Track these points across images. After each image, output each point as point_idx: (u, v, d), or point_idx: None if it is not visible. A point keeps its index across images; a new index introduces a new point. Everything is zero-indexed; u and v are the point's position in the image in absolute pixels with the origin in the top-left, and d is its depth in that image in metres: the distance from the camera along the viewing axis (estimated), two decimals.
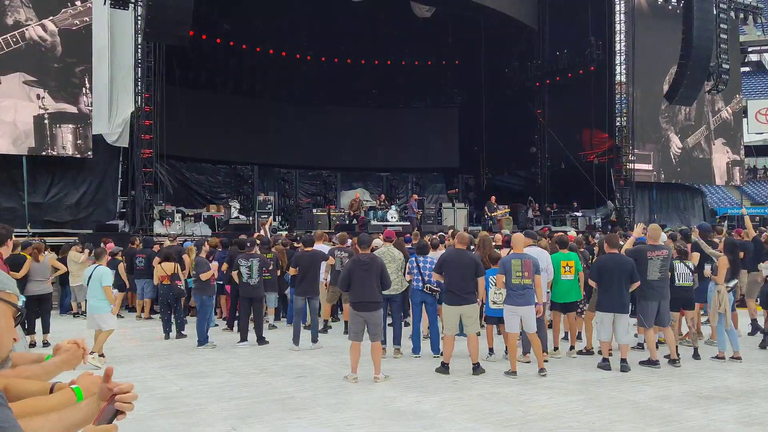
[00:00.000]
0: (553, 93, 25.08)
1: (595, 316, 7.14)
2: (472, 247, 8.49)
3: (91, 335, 7.62)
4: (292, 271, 8.56)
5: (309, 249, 8.52)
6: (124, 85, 15.96)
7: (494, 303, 7.17)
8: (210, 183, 23.80)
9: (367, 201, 21.99)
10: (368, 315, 6.43)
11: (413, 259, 7.88)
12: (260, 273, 8.58)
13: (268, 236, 12.20)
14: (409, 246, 9.49)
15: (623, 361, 6.83)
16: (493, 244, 8.67)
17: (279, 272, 9.74)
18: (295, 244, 10.92)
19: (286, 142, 25.31)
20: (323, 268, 9.00)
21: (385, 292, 7.56)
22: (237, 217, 18.63)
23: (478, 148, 27.44)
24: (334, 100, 26.77)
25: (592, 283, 7.13)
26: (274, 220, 18.83)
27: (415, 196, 21.26)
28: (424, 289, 7.66)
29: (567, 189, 23.45)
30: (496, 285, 6.98)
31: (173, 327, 9.26)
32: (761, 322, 8.84)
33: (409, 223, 19.02)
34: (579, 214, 21.60)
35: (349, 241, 10.22)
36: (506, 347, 7.15)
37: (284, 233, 14.95)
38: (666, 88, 21.14)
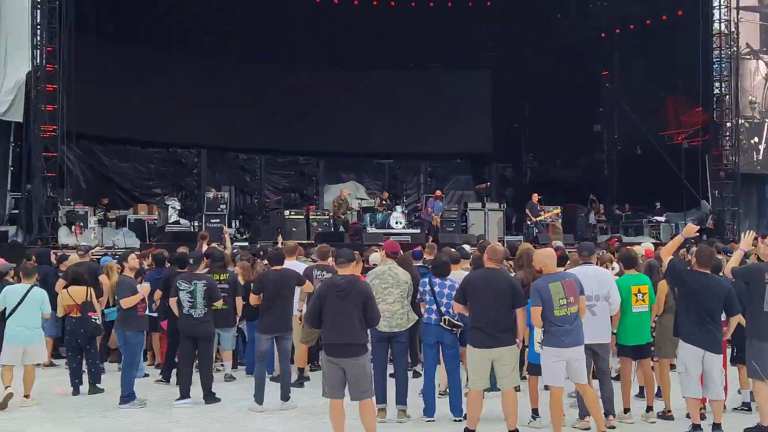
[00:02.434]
0: (624, 48, 25.19)
1: (678, 360, 7.12)
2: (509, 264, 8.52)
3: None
4: (253, 299, 8.56)
5: (277, 267, 8.53)
6: (15, 34, 15.98)
7: (541, 345, 7.17)
8: (139, 174, 23.86)
9: (361, 200, 22.04)
10: (347, 363, 6.43)
11: (426, 281, 7.88)
12: (208, 301, 8.58)
13: (228, 247, 12.27)
14: (420, 264, 9.49)
15: (717, 427, 6.83)
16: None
17: (241, 300, 9.75)
18: (258, 262, 10.92)
19: (246, 117, 25.39)
20: (297, 294, 9.01)
21: (384, 329, 7.61)
22: (177, 222, 18.66)
23: (518, 125, 27.48)
24: (316, 59, 26.87)
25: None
26: (229, 226, 18.85)
27: (439, 192, 21.29)
28: (442, 325, 7.66)
29: (645, 183, 23.51)
30: (531, 322, 6.98)
31: (84, 377, 9.25)
32: None
33: (418, 231, 19.06)
34: (662, 219, 21.63)
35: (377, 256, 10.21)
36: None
37: (236, 245, 14.92)
38: None
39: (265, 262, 10.06)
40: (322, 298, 6.52)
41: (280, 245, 12.72)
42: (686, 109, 23.05)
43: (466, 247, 11.56)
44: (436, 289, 7.73)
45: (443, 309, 7.64)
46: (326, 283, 6.64)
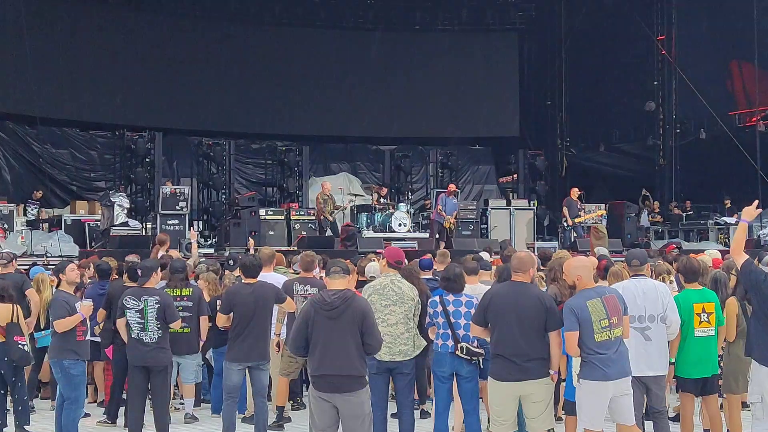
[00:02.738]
0: (685, 6, 25.15)
1: (751, 388, 7.09)
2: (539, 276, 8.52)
3: None
4: (221, 320, 8.58)
5: (251, 280, 8.55)
6: None
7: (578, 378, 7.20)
8: (77, 163, 23.89)
9: (355, 196, 22.07)
10: (341, 400, 6.43)
11: (437, 299, 7.90)
12: (162, 322, 8.60)
13: (194, 255, 12.22)
14: (429, 276, 9.51)
15: None
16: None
17: (206, 321, 9.77)
18: (227, 274, 10.92)
19: (212, 92, 25.42)
20: (275, 314, 9.03)
21: (385, 357, 7.62)
22: (125, 223, 18.69)
23: (552, 103, 27.50)
24: (298, 17, 26.91)
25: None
26: (190, 228, 18.84)
27: (452, 187, 21.30)
28: (457, 353, 7.68)
29: (711, 176, 23.56)
30: (566, 350, 6.97)
31: (9, 418, 9.24)
32: None
33: (427, 236, 19.07)
34: (732, 220, 21.62)
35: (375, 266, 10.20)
36: None
37: (199, 252, 14.92)
38: None
39: (237, 274, 10.08)
40: (309, 319, 6.49)
41: (252, 252, 12.75)
42: (757, 80, 23.03)
43: (485, 255, 11.59)
44: (450, 308, 7.75)
45: (459, 333, 7.66)
46: (314, 301, 6.61)
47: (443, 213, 19.49)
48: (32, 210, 19.27)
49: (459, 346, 7.64)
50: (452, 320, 7.71)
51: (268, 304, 8.48)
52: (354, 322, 6.44)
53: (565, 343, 6.75)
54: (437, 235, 19.24)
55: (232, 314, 8.35)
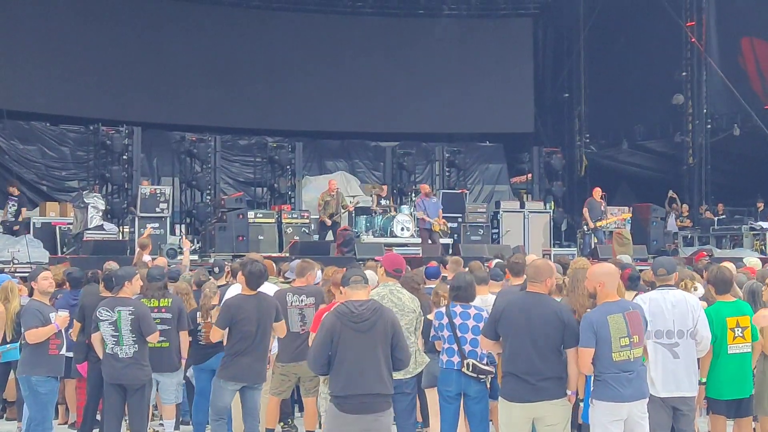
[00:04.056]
0: None
1: None
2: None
3: None
4: (216, 335, 8.53)
5: (251, 292, 8.52)
6: None
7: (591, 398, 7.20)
8: (48, 160, 23.88)
9: (353, 197, 22.06)
10: (369, 422, 6.46)
11: (442, 310, 7.93)
12: (138, 336, 8.61)
13: (186, 262, 12.21)
14: (433, 285, 9.52)
15: None
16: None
17: (186, 334, 9.76)
18: (212, 283, 10.90)
19: (195, 82, 25.42)
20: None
21: None
22: (100, 227, 18.69)
23: (570, 95, 27.51)
24: (292, 1, 27.06)
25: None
26: (172, 232, 18.86)
27: (427, 188, 21.20)
28: (464, 370, 7.69)
29: (745, 176, 23.56)
30: (578, 367, 6.97)
31: None
32: None
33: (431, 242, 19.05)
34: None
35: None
36: None
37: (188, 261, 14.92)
38: None
39: (219, 283, 10.08)
40: (335, 333, 6.47)
41: (184, 257, 12.69)
42: None
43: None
44: (457, 320, 7.75)
45: (466, 348, 7.67)
46: (340, 312, 6.55)
47: (427, 218, 19.42)
48: (11, 208, 19.14)
49: (465, 362, 7.64)
50: (459, 334, 7.71)
51: (270, 320, 8.44)
52: (385, 334, 6.49)
53: (579, 360, 6.74)
54: (429, 242, 19.14)
55: (229, 329, 8.31)
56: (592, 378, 7.12)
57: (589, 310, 6.90)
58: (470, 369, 7.63)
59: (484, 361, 7.59)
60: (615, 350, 6.57)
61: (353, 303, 6.56)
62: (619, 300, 6.85)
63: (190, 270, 12.86)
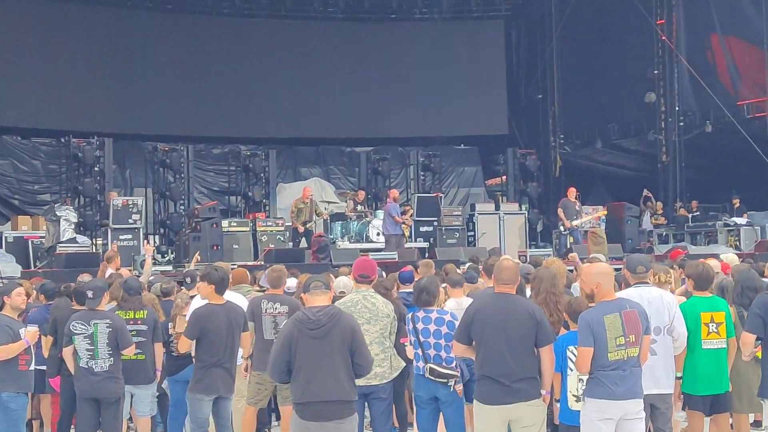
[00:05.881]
0: None
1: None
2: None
3: None
4: (184, 345, 8.48)
5: (220, 301, 8.47)
6: None
7: (578, 400, 7.19)
8: (20, 174, 23.75)
9: (328, 203, 22.05)
10: (330, 429, 6.44)
11: (409, 315, 7.93)
12: (114, 349, 8.53)
13: (147, 272, 12.14)
14: (410, 289, 9.50)
15: None
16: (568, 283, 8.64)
17: (161, 346, 9.69)
18: (183, 293, 10.83)
19: (166, 92, 25.34)
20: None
21: (359, 382, 7.52)
22: (72, 239, 18.62)
23: (543, 96, 27.59)
24: (263, 5, 26.94)
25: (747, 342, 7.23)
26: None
27: (395, 193, 21.18)
28: (427, 375, 7.67)
29: (718, 173, 23.68)
30: (576, 366, 6.97)
31: None
32: None
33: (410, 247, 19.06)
34: (742, 221, 21.78)
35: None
36: None
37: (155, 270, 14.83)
38: None
39: (192, 293, 10.02)
40: (292, 340, 6.46)
41: (194, 267, 12.66)
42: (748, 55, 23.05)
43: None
44: (419, 325, 7.74)
45: (430, 353, 7.65)
46: (296, 319, 6.56)
47: (399, 218, 19.46)
48: None
49: (426, 367, 7.64)
50: (422, 339, 7.70)
51: (239, 330, 8.43)
52: (343, 341, 6.46)
53: (578, 359, 6.76)
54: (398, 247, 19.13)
55: (197, 340, 8.25)
56: (569, 377, 7.12)
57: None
58: (430, 373, 7.63)
59: (454, 364, 7.57)
60: (611, 350, 6.57)
61: (311, 309, 6.57)
62: (617, 299, 6.84)
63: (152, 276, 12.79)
